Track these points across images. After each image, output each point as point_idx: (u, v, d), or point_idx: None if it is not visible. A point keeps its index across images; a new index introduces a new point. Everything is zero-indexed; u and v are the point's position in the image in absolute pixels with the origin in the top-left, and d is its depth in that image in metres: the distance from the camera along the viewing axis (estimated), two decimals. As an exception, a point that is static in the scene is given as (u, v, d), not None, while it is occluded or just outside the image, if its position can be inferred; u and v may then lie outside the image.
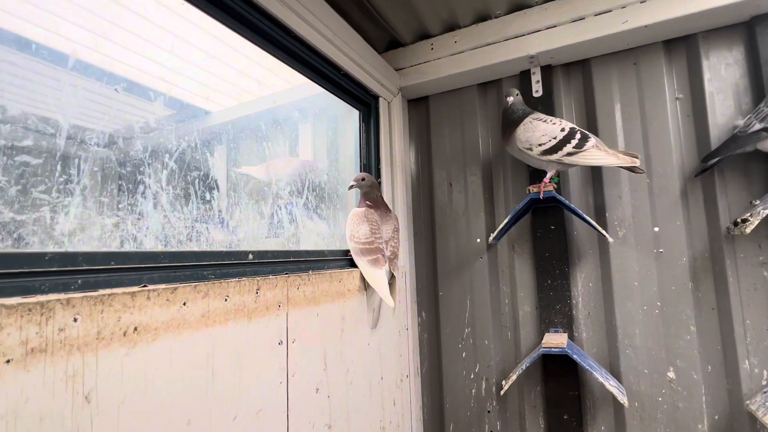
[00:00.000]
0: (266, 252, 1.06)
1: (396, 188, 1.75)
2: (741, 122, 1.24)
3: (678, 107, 1.47)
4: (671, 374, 1.39)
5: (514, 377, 1.41)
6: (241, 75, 1.68)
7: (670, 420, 1.37)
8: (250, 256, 1.02)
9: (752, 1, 1.26)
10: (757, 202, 1.26)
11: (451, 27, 1.69)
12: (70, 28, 0.95)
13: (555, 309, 1.55)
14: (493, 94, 1.78)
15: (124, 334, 0.64)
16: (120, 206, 0.77)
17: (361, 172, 1.64)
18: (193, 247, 0.93)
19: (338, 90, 1.53)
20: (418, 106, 1.94)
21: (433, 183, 1.87)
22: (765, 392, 1.20)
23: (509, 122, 1.46)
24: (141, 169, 0.81)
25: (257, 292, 0.92)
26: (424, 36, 1.75)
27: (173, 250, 0.82)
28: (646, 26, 1.39)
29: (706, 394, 1.34)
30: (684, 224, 1.42)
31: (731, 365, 1.31)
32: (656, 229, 1.45)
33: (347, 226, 1.34)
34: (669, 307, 1.41)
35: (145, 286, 0.71)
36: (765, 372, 1.27)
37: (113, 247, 0.77)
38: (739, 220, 1.21)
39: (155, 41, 1.26)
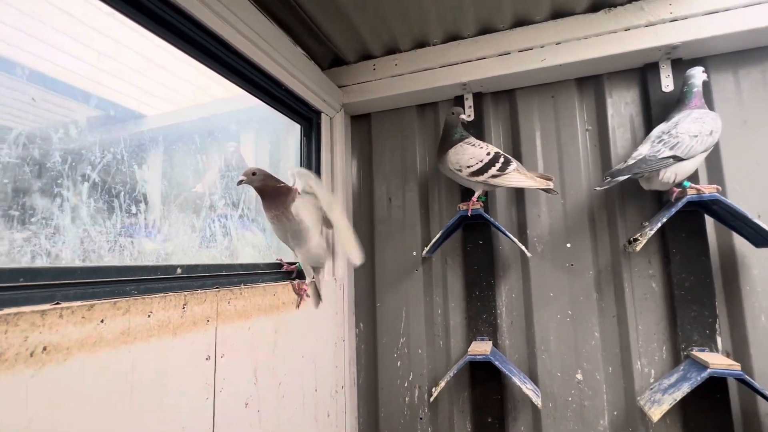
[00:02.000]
0: (196, 266, 1.05)
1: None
2: (645, 150, 1.39)
3: (588, 138, 1.66)
4: (579, 376, 1.55)
5: (442, 384, 1.50)
6: (180, 80, 1.65)
7: (578, 417, 1.53)
8: (179, 271, 1.00)
9: (644, 51, 1.48)
10: (647, 224, 1.46)
11: (392, 50, 1.78)
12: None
13: (482, 318, 1.66)
14: (430, 116, 1.89)
15: (31, 355, 0.62)
16: (33, 220, 0.73)
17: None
18: (115, 261, 0.90)
19: (279, 104, 1.55)
20: (361, 122, 2.01)
21: (373, 197, 1.93)
22: (651, 389, 1.38)
23: (445, 142, 1.56)
24: (59, 181, 0.78)
25: (184, 308, 0.91)
26: (367, 56, 1.82)
27: (92, 265, 0.80)
28: (560, 65, 1.56)
29: (606, 393, 1.51)
30: (591, 241, 1.60)
31: (627, 366, 1.49)
32: (569, 245, 1.62)
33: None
34: (578, 316, 1.58)
35: (57, 303, 0.69)
36: (652, 371, 1.46)
37: (23, 262, 0.73)
38: (631, 239, 1.39)
39: (84, 40, 1.21)
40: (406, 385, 1.76)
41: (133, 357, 0.78)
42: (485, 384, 1.61)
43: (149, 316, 0.83)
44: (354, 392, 1.81)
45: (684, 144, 1.30)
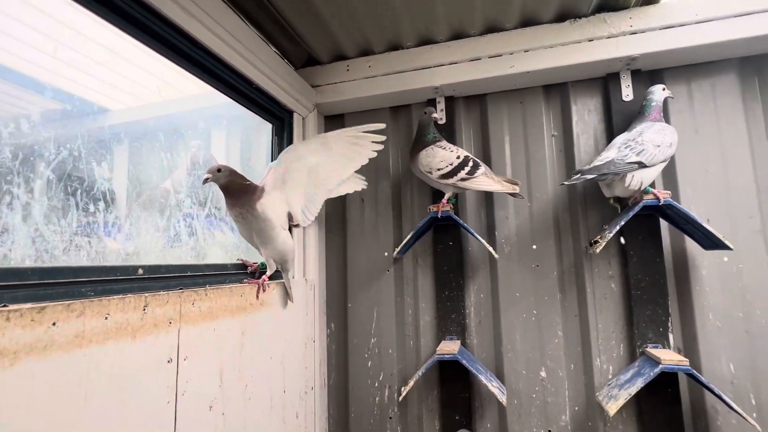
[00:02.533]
0: (159, 267, 1.03)
1: (308, 202, 1.78)
2: (613, 154, 1.40)
3: (554, 143, 1.72)
4: (543, 374, 1.60)
5: (411, 383, 1.52)
6: (147, 75, 1.60)
7: (541, 414, 1.58)
8: (140, 271, 0.98)
9: (606, 62, 1.54)
10: (606, 226, 1.52)
11: (366, 52, 1.78)
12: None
13: (451, 318, 1.69)
14: (403, 118, 1.91)
15: (-26, 360, 0.59)
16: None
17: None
18: (71, 262, 0.87)
19: (250, 103, 1.53)
20: (335, 122, 2.00)
21: (346, 198, 1.93)
22: (609, 384, 1.45)
23: (418, 143, 1.58)
24: (9, 178, 0.74)
25: (144, 309, 0.89)
26: (341, 57, 1.82)
27: (44, 265, 0.77)
28: (528, 72, 1.61)
29: (568, 389, 1.57)
30: (555, 243, 1.65)
31: (587, 363, 1.55)
32: (534, 246, 1.67)
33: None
34: (543, 315, 1.63)
35: (5, 305, 0.66)
36: (611, 367, 1.53)
37: (-33, 263, 0.69)
38: (592, 241, 1.45)
39: (40, 27, 1.17)
40: (376, 385, 1.77)
41: (88, 361, 0.76)
42: (453, 382, 1.64)
43: (106, 318, 0.80)
44: (324, 393, 1.81)
45: (648, 152, 1.36)
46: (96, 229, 0.93)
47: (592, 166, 1.40)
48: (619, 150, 1.40)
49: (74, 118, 1.14)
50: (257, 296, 1.28)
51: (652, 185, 1.50)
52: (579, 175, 1.38)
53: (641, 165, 1.37)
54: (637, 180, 1.38)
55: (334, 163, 1.39)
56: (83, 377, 0.75)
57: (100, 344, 0.79)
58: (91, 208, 0.91)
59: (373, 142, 1.39)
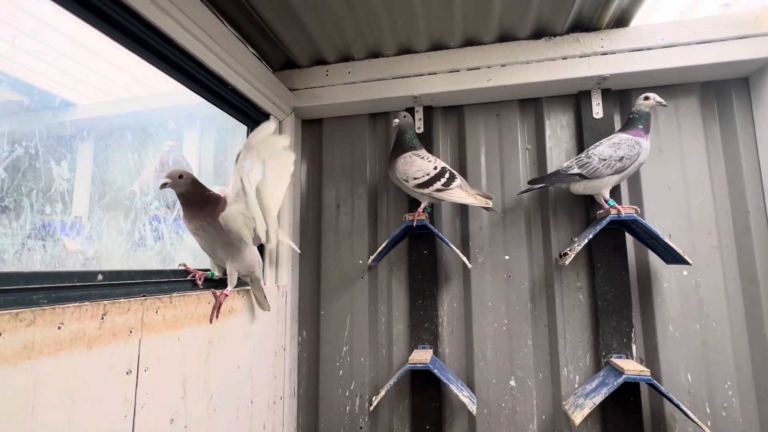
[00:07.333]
0: (120, 272, 0.98)
1: (283, 207, 1.74)
2: (565, 164, 1.52)
3: (527, 156, 1.76)
4: (512, 382, 1.62)
5: (383, 393, 1.50)
6: (117, 69, 1.53)
7: (510, 422, 1.60)
8: (100, 277, 0.93)
9: (578, 80, 1.60)
10: (575, 239, 1.57)
11: (346, 58, 1.78)
12: None
13: (424, 327, 1.69)
14: (382, 125, 1.91)
15: None
16: None
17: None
18: (22, 267, 0.81)
19: (225, 104, 1.49)
20: (312, 127, 1.98)
21: (322, 203, 1.91)
22: (575, 394, 1.48)
23: (397, 148, 1.58)
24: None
25: (103, 318, 0.84)
26: (320, 62, 1.81)
27: (-9, 271, 0.71)
28: (505, 86, 1.64)
29: (536, 398, 1.60)
30: (527, 254, 1.69)
31: (555, 372, 1.59)
32: (507, 257, 1.70)
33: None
34: (513, 325, 1.65)
35: (-57, 315, 0.61)
36: (577, 377, 1.56)
37: None
38: (561, 253, 1.49)
39: (2, 17, 1.10)
40: (347, 394, 1.75)
41: (36, 373, 0.71)
42: (425, 392, 1.64)
43: (59, 328, 0.75)
44: (294, 402, 1.77)
45: (591, 166, 1.43)
46: (53, 231, 0.88)
47: (540, 176, 1.55)
48: (570, 160, 1.52)
49: (33, 111, 1.08)
50: (211, 320, 1.17)
51: (618, 200, 1.56)
52: (529, 185, 1.55)
53: (582, 177, 1.44)
54: (580, 188, 1.50)
55: (270, 179, 1.16)
56: (31, 391, 0.70)
57: (52, 356, 0.74)
58: (48, 209, 0.86)
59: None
